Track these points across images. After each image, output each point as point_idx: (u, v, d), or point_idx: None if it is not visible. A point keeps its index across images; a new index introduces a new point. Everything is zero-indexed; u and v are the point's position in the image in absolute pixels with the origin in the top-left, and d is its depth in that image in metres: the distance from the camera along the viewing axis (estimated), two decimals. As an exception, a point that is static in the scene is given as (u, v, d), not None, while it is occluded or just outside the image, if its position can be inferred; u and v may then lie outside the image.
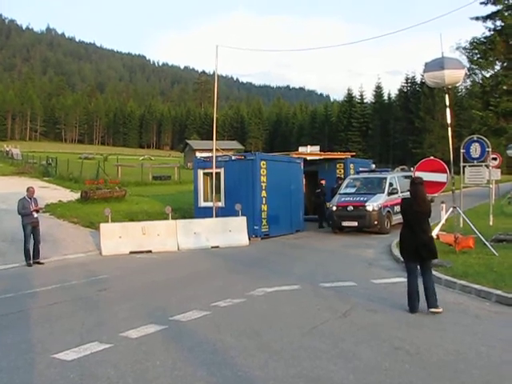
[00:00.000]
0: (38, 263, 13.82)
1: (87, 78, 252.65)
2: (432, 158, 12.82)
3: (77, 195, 26.32)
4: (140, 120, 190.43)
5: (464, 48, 47.79)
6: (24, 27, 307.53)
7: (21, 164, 53.04)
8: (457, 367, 5.66)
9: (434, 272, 10.51)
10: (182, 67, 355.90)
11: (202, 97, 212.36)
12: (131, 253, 15.45)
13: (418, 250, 8.08)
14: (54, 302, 9.29)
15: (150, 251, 15.68)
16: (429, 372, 5.52)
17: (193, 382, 5.31)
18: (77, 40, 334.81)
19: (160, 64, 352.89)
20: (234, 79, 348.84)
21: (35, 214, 13.98)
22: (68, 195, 27.30)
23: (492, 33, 45.72)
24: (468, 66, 46.03)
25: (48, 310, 8.69)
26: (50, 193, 27.87)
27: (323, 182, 22.24)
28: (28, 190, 14.27)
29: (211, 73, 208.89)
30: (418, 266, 8.25)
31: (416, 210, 8.27)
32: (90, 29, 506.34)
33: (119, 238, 15.75)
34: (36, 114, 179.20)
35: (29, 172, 42.55)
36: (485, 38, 46.37)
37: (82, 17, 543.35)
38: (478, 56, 46.98)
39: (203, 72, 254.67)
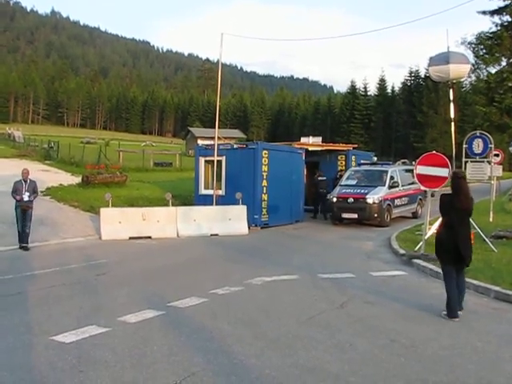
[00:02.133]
0: (24, 248, 13.35)
1: (91, 62, 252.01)
2: (434, 152, 12.76)
3: (78, 179, 26.32)
4: (143, 106, 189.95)
5: (470, 43, 47.50)
6: (29, 9, 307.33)
7: (22, 147, 52.97)
8: (452, 361, 5.69)
9: (432, 266, 10.57)
10: (185, 54, 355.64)
11: (206, 84, 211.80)
12: (131, 238, 15.46)
13: (458, 251, 7.42)
14: (52, 285, 9.31)
15: (150, 237, 15.69)
16: (424, 365, 5.55)
17: (189, 368, 5.34)
18: (81, 24, 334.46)
19: (164, 50, 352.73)
20: (238, 68, 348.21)
21: (26, 198, 13.58)
22: (69, 179, 27.32)
23: (499, 28, 45.37)
24: (473, 61, 45.80)
25: (46, 293, 8.72)
26: (51, 176, 27.89)
27: (321, 173, 22.09)
28: (22, 172, 13.89)
29: (215, 61, 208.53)
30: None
31: (458, 207, 7.59)
32: (94, 13, 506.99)
33: (119, 223, 15.76)
34: (39, 97, 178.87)
35: (30, 155, 42.53)
36: (491, 33, 45.99)
37: (87, 1, 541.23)
38: (484, 51, 46.71)
39: (207, 60, 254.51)
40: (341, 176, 21.99)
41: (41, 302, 8.13)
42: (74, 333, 6.44)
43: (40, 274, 10.41)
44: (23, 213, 13.55)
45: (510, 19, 44.42)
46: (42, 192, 21.88)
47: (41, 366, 5.39)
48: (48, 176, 27.53)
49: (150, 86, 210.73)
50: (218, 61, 20.47)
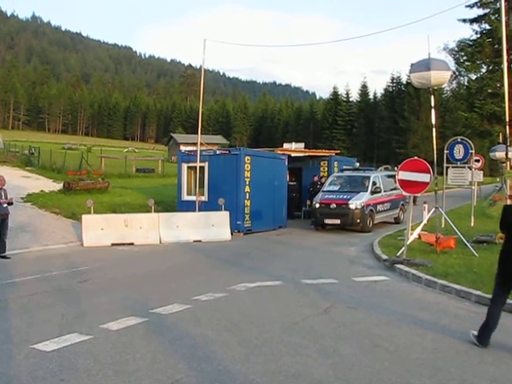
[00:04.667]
0: (4, 257, 12.91)
1: (72, 67, 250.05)
2: (416, 158, 12.87)
3: (59, 186, 26.10)
4: (125, 112, 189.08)
5: (451, 49, 48.08)
6: (9, 14, 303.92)
7: (2, 153, 52.36)
8: (435, 365, 5.72)
9: (414, 271, 10.64)
10: (168, 60, 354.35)
11: (188, 90, 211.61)
12: (113, 245, 15.35)
13: None
14: (33, 293, 9.20)
15: (132, 244, 15.59)
16: (407, 369, 5.57)
17: (173, 375, 5.30)
18: (63, 29, 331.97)
19: (146, 56, 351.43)
20: (221, 74, 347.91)
21: (4, 205, 13.18)
22: (50, 185, 27.07)
23: (479, 36, 46.01)
24: (454, 67, 46.33)
25: (27, 301, 8.61)
26: (32, 182, 27.63)
27: (316, 178, 22.39)
28: None
29: (198, 66, 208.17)
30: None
31: None
32: (76, 18, 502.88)
33: (101, 229, 15.64)
34: (19, 102, 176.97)
35: (11, 161, 42.12)
36: (472, 40, 46.65)
37: (69, 6, 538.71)
38: (465, 58, 47.29)
39: (190, 65, 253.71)
40: (316, 183, 22.05)
41: (21, 309, 8.03)
42: (56, 341, 6.36)
43: (21, 282, 10.28)
44: (2, 221, 13.08)
45: (488, 27, 45.09)
46: (22, 199, 21.69)
47: (21, 376, 5.31)
48: (29, 182, 27.28)
49: (133, 91, 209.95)
50: (200, 67, 20.47)
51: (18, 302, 8.49)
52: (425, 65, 12.54)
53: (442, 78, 12.70)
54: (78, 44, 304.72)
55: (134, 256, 14.04)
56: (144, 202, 20.03)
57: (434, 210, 13.87)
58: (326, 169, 24.09)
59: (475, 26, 46.43)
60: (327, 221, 19.05)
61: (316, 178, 22.47)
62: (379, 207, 19.90)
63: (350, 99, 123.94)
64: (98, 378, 5.26)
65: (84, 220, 15.73)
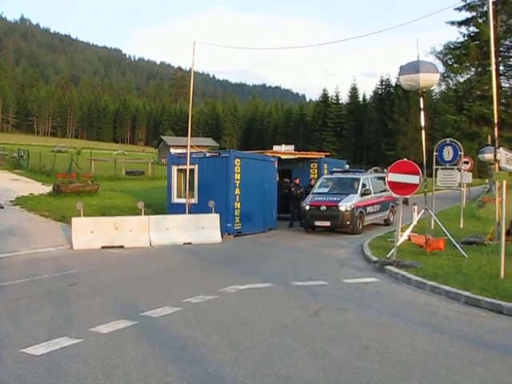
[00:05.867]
0: None
1: (61, 70, 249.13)
2: (405, 159, 12.92)
3: (49, 188, 25.92)
4: (114, 114, 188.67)
5: (439, 52, 48.39)
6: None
7: (-9, 156, 52.02)
8: (425, 366, 5.74)
9: (403, 273, 10.67)
10: (158, 62, 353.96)
11: (178, 93, 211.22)
12: (103, 248, 15.28)
13: None
14: (22, 296, 9.14)
15: (122, 246, 15.53)
16: (398, 371, 5.58)
17: (163, 378, 5.29)
18: (52, 31, 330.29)
19: (136, 59, 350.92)
20: (211, 76, 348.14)
21: None
22: (40, 188, 26.89)
23: (466, 38, 46.33)
24: (443, 70, 46.60)
25: (16, 304, 8.55)
26: (21, 185, 27.44)
27: (298, 180, 22.25)
28: None
29: (187, 69, 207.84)
30: None
31: None
32: (65, 20, 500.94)
33: (91, 232, 15.57)
34: (8, 105, 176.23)
35: (0, 164, 41.80)
36: (459, 43, 46.99)
37: (58, 8, 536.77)
38: (453, 61, 47.56)
39: (179, 68, 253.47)
40: (297, 185, 21.93)
41: (10, 313, 7.97)
42: (45, 345, 6.32)
43: (9, 285, 10.21)
44: None
45: (476, 30, 45.40)
46: (11, 202, 21.55)
47: (10, 380, 5.27)
48: (18, 185, 27.10)
49: (122, 94, 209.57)
50: (190, 69, 20.43)
51: (7, 306, 8.43)
52: (414, 67, 12.60)
53: (430, 80, 12.77)
54: (67, 46, 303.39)
55: (123, 259, 13.98)
56: (134, 205, 19.94)
57: (423, 211, 13.92)
58: (316, 171, 24.14)
59: (463, 29, 46.83)
60: (317, 223, 19.06)
61: (297, 181, 22.25)
62: (369, 209, 19.95)
63: (340, 101, 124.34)
64: (88, 381, 5.24)
65: (74, 223, 15.66)
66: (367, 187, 19.95)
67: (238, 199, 18.55)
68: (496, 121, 12.11)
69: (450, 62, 47.80)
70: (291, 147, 25.73)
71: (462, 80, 48.17)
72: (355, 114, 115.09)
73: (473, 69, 46.88)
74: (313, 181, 22.88)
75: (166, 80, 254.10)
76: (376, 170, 24.63)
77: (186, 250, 15.36)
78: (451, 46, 47.32)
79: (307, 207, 19.12)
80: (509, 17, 45.01)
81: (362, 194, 19.51)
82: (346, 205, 18.61)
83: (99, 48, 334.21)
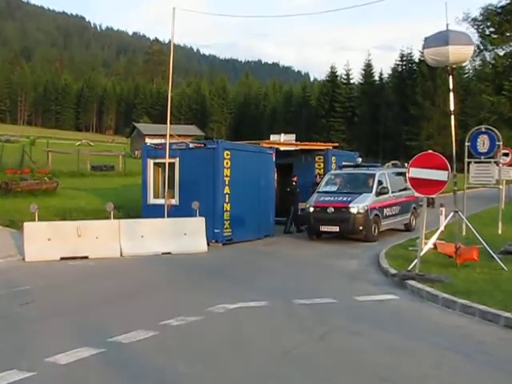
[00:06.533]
0: None
1: (9, 40, 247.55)
2: (430, 151, 12.92)
3: (-5, 187, 25.87)
4: (77, 97, 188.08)
5: (474, 19, 47.40)
6: None
7: None
8: (454, 403, 5.74)
9: (428, 289, 10.68)
10: (130, 33, 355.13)
11: (155, 70, 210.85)
12: (63, 259, 15.24)
13: None
14: (-36, 318, 9.12)
15: (87, 257, 15.49)
16: (421, 408, 5.58)
17: (135, 418, 5.28)
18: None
19: (103, 28, 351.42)
20: (194, 50, 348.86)
21: None
22: (-16, 186, 26.82)
23: (509, 1, 45.31)
24: (478, 41, 46.01)
25: (-44, 328, 8.53)
26: (-39, 183, 27.33)
27: (295, 178, 22.22)
28: None
29: (166, 41, 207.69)
30: None
31: None
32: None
33: (48, 240, 15.51)
34: None
35: None
36: (501, 7, 45.79)
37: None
38: (491, 29, 46.81)
39: (156, 40, 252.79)
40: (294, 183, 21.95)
41: (-51, 339, 7.94)
42: (-11, 380, 6.28)
43: None
44: None
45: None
46: None
47: None
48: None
49: (86, 71, 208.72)
50: (169, 41, 20.43)
51: None
52: (442, 38, 12.60)
53: (462, 54, 12.77)
54: (15, 11, 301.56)
55: (88, 272, 13.96)
56: (101, 207, 19.91)
57: (452, 214, 13.92)
58: (322, 165, 24.10)
59: (507, -11, 45.87)
60: (323, 228, 19.05)
61: (295, 179, 22.22)
62: (386, 211, 19.96)
63: (351, 81, 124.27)
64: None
65: (26, 229, 15.60)
66: (384, 185, 19.95)
67: (227, 200, 18.53)
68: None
69: (487, 32, 47.29)
70: (292, 137, 25.72)
71: (502, 53, 47.64)
72: (370, 97, 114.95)
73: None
74: (318, 177, 22.88)
75: (140, 55, 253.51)
76: (395, 165, 24.65)
77: (164, 262, 15.36)
78: (490, 11, 46.55)
79: (311, 209, 19.11)
80: None
81: (378, 194, 19.50)
82: (358, 206, 18.61)
83: (57, 14, 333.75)
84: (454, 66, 13.02)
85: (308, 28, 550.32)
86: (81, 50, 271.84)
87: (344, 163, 23.45)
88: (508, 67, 45.49)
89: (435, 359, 7.11)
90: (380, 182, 19.88)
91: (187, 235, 17.01)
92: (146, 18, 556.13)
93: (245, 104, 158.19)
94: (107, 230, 16.30)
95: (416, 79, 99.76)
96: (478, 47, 45.93)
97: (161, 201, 18.86)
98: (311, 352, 7.33)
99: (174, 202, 18.77)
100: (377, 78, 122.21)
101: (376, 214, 19.20)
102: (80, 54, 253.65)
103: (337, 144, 30.67)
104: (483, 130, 19.08)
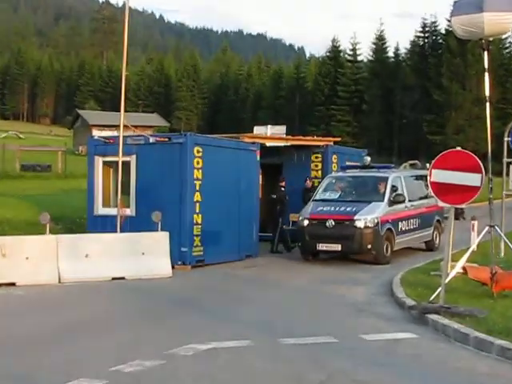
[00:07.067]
0: None
1: None
2: (459, 149, 12.97)
3: None
4: (2, 75, 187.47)
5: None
6: None
7: None
8: None
9: (456, 325, 10.71)
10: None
11: (105, 42, 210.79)
12: (-18, 286, 15.20)
13: None
14: None
15: (14, 284, 15.43)
16: None
17: None
18: None
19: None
20: (157, 17, 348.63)
21: None
22: None
23: None
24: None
25: None
26: None
27: (283, 183, 22.13)
28: None
29: (120, 4, 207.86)
30: None
31: None
32: None
33: (-37, 261, 15.47)
34: None
35: None
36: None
37: None
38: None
39: (107, 2, 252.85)
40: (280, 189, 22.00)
41: None
42: None
43: None
44: None
45: None
46: None
47: None
48: None
49: (15, 42, 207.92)
50: (123, 4, 20.43)
51: None
52: (475, 3, 12.67)
53: (501, 22, 12.83)
54: None
55: (14, 304, 13.92)
56: (34, 218, 19.87)
57: (487, 229, 14.00)
58: (320, 166, 24.17)
59: None
60: (321, 246, 19.09)
61: (283, 183, 22.14)
62: (402, 225, 20.02)
63: (358, 58, 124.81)
64: None
65: None
66: (399, 191, 20.01)
67: (198, 209, 18.54)
68: None
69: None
70: (282, 129, 25.81)
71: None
72: (382, 79, 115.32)
73: None
74: (308, 181, 22.89)
75: (86, 21, 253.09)
76: (413, 165, 24.80)
77: (116, 289, 15.35)
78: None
79: (305, 222, 19.13)
80: None
81: (392, 203, 19.57)
82: (366, 218, 18.67)
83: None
84: (491, 39, 13.06)
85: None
86: (8, 14, 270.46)
87: (348, 163, 23.54)
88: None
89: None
90: (394, 188, 19.94)
91: (146, 255, 17.00)
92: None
93: (221, 87, 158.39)
94: (41, 249, 16.24)
95: (441, 56, 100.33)
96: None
97: (112, 211, 18.84)
98: (305, 406, 7.34)
99: (129, 212, 18.77)
100: (391, 54, 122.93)
101: (389, 229, 19.26)
102: (7, 20, 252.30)
103: (339, 139, 30.88)
104: (527, 121, 19.20)
